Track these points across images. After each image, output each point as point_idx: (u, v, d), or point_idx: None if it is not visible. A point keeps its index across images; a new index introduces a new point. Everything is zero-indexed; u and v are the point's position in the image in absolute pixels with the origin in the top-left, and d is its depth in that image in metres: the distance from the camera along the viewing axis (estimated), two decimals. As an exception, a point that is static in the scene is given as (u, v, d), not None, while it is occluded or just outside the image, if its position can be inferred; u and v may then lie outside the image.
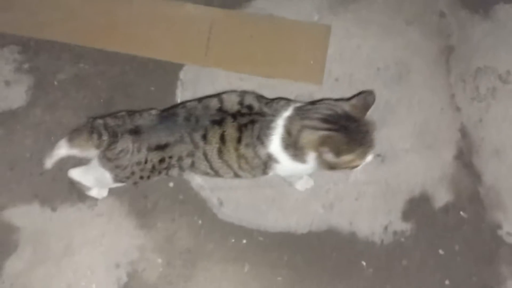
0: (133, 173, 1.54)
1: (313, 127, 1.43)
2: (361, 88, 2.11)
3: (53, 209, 1.85)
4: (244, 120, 1.50)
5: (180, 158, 1.54)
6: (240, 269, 1.82)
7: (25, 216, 1.84)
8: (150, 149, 1.50)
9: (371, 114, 1.48)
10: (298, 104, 1.55)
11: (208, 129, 1.50)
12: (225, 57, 2.18)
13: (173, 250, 1.84)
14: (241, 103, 1.54)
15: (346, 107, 1.46)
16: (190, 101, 1.62)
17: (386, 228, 1.90)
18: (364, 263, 1.85)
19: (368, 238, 1.88)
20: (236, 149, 1.51)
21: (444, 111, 2.10)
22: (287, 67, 2.17)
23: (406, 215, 1.92)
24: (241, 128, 1.50)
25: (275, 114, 1.51)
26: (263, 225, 1.89)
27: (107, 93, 2.08)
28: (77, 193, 1.86)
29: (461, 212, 1.93)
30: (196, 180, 1.93)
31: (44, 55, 2.12)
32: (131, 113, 1.57)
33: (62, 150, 1.62)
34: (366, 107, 1.46)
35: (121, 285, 1.77)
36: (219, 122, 1.50)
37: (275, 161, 1.52)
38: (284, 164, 1.52)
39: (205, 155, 1.53)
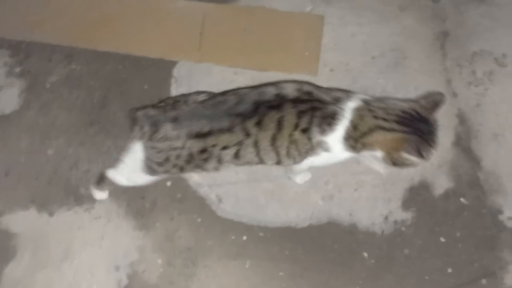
0: (167, 159, 1.52)
1: (390, 128, 1.46)
2: (357, 77, 2.09)
3: (50, 214, 1.84)
4: (304, 106, 1.48)
5: (225, 147, 1.51)
6: (241, 265, 1.82)
7: (23, 221, 1.83)
8: (190, 136, 1.47)
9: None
10: (361, 96, 1.54)
11: (265, 114, 1.47)
12: (218, 52, 2.16)
13: (173, 249, 1.83)
14: (299, 89, 1.52)
15: (417, 108, 1.49)
16: (241, 88, 1.58)
17: (386, 218, 1.88)
18: (365, 254, 1.84)
19: (368, 229, 1.87)
20: (290, 135, 1.49)
21: (441, 97, 2.08)
22: (282, 59, 2.15)
23: (406, 204, 1.91)
24: (299, 114, 1.48)
25: (336, 103, 1.50)
26: (263, 221, 1.87)
27: (100, 92, 2.06)
28: (74, 196, 1.85)
29: (461, 199, 1.92)
30: (194, 178, 1.91)
31: (35, 57, 2.10)
32: (177, 99, 1.55)
33: None
34: (435, 107, 1.50)
35: (122, 287, 1.77)
36: (276, 107, 1.48)
37: (325, 149, 1.52)
38: (334, 152, 1.53)
39: (255, 142, 1.50)
